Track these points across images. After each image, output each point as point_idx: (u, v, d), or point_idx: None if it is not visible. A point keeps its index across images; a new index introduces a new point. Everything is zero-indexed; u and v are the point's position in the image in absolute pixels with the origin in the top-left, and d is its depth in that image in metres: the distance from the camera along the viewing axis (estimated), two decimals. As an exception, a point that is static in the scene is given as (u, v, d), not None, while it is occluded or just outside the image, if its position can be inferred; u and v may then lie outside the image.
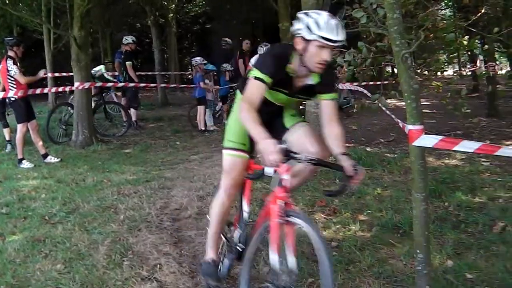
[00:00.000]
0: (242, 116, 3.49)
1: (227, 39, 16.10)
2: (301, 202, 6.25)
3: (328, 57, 3.45)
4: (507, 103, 15.55)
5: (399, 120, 5.20)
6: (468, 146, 3.46)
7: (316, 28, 3.35)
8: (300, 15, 3.47)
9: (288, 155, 3.26)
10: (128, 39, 14.09)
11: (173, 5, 24.64)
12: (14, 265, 4.74)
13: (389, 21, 3.55)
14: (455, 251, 4.74)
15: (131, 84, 13.61)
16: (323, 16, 3.39)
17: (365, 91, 8.45)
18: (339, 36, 3.37)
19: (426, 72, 5.88)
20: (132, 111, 13.74)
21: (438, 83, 5.92)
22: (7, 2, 11.82)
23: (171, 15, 24.45)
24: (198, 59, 14.11)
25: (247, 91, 3.55)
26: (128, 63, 13.76)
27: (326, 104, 3.70)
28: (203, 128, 13.13)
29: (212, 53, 18.91)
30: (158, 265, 4.64)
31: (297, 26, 3.49)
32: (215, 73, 14.49)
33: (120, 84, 13.92)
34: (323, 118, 3.70)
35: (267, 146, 3.18)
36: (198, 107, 13.33)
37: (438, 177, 7.08)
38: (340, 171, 3.43)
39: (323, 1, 8.75)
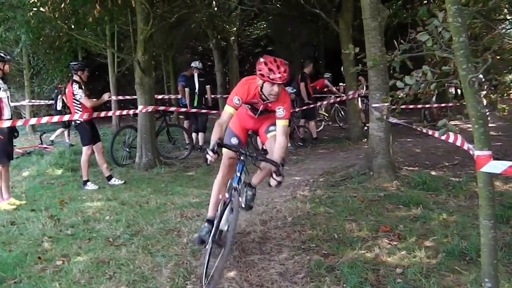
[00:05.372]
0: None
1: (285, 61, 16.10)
2: (364, 227, 6.18)
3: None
4: None
5: (469, 145, 5.06)
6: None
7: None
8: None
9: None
10: (197, 64, 14.41)
11: (235, 28, 24.83)
12: (79, 286, 4.85)
13: (455, 44, 3.49)
14: (525, 280, 4.59)
15: (193, 110, 13.78)
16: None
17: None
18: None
19: (492, 96, 5.74)
20: (200, 135, 13.90)
21: (504, 105, 5.77)
22: (73, 27, 12.15)
23: (233, 38, 24.63)
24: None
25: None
26: (207, 86, 14.14)
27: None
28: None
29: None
30: (221, 290, 4.64)
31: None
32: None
33: (183, 109, 14.12)
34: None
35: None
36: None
37: (505, 202, 6.88)
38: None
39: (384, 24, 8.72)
